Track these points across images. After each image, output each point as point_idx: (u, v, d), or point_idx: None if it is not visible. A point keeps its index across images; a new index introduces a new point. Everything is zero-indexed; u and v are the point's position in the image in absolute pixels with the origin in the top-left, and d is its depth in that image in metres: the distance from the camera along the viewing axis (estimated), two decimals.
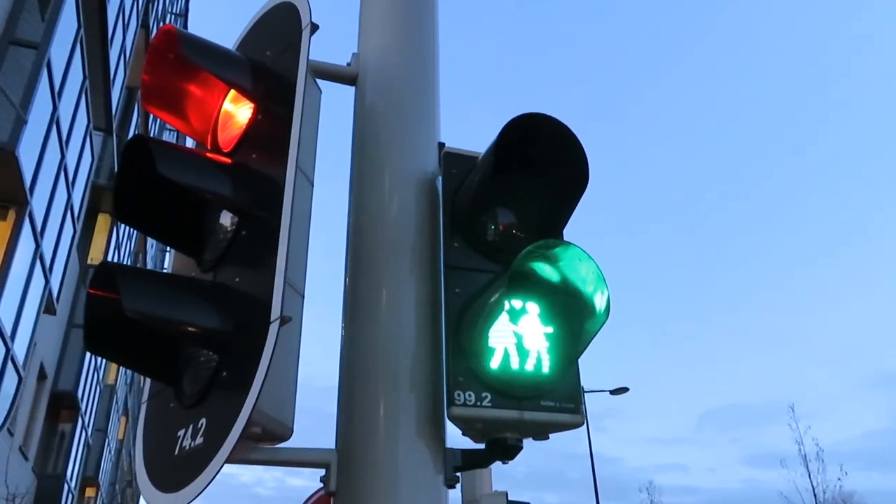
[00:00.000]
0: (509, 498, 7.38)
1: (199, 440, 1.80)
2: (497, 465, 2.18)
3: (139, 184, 2.12)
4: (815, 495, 24.91)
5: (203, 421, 1.83)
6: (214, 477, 1.66)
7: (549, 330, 2.16)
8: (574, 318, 2.11)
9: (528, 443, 2.13)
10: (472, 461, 2.13)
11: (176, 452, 1.88)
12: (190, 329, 1.92)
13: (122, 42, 15.81)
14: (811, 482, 24.98)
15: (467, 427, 2.05)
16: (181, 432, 1.90)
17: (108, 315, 1.93)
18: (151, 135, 23.65)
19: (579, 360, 2.15)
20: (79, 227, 14.03)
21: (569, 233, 2.34)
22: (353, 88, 2.61)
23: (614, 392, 26.68)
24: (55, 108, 10.64)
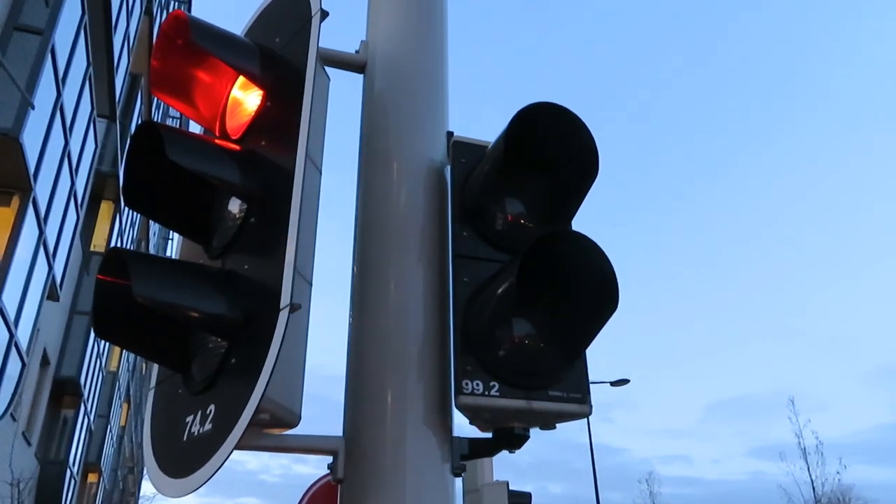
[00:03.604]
0: (511, 488, 7.40)
1: (208, 426, 1.80)
2: (502, 455, 2.18)
3: (148, 170, 2.12)
4: (813, 488, 25.06)
5: (212, 407, 1.83)
6: (223, 463, 1.67)
7: (558, 319, 2.15)
8: (582, 307, 2.10)
9: (533, 433, 2.13)
10: (480, 450, 2.13)
11: (184, 438, 1.89)
12: (199, 316, 1.92)
13: (125, 29, 15.77)
14: (810, 475, 25.15)
15: (475, 416, 2.05)
16: (190, 419, 1.90)
17: (118, 301, 1.93)
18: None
19: (587, 351, 2.15)
20: (82, 214, 14.04)
21: (577, 223, 2.34)
22: (361, 76, 2.60)
23: (615, 384, 26.75)
24: (59, 95, 10.63)
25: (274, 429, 1.94)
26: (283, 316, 1.71)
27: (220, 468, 1.67)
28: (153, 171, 2.12)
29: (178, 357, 2.05)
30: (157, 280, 1.88)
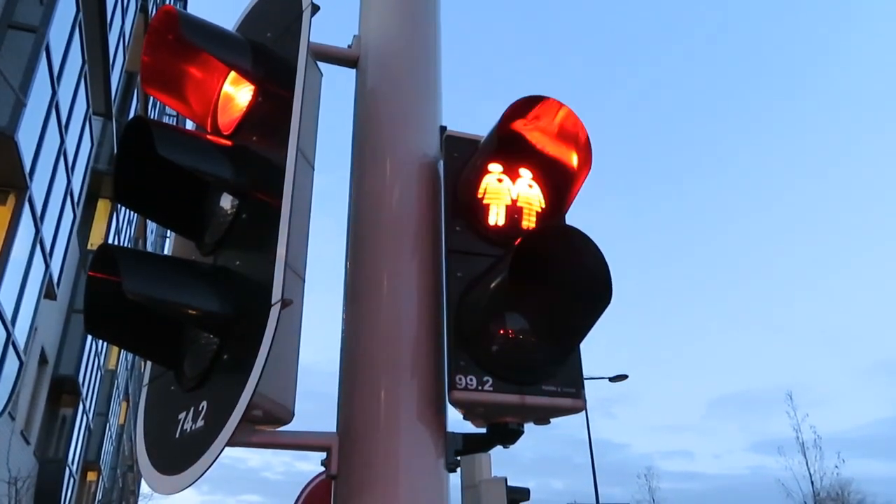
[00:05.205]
0: (510, 483, 7.39)
1: (200, 423, 1.79)
2: (503, 451, 2.18)
3: (139, 166, 2.11)
4: (812, 483, 25.11)
5: (204, 404, 1.82)
6: (215, 460, 1.66)
7: (552, 314, 2.15)
8: (576, 302, 2.10)
9: (535, 429, 2.13)
10: (473, 445, 2.12)
11: (177, 435, 1.88)
12: (191, 312, 1.91)
13: (121, 26, 15.72)
14: (809, 470, 25.19)
15: (468, 411, 2.04)
16: (182, 415, 1.89)
17: (109, 297, 1.92)
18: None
19: (581, 345, 2.14)
20: (79, 212, 14.02)
21: (570, 215, 2.33)
22: (354, 71, 2.59)
23: (613, 379, 26.73)
24: (54, 93, 10.60)
25: (267, 425, 1.93)
26: (274, 311, 1.70)
27: (211, 465, 1.66)
28: (144, 167, 2.10)
29: (170, 354, 2.04)
30: (148, 276, 1.86)
